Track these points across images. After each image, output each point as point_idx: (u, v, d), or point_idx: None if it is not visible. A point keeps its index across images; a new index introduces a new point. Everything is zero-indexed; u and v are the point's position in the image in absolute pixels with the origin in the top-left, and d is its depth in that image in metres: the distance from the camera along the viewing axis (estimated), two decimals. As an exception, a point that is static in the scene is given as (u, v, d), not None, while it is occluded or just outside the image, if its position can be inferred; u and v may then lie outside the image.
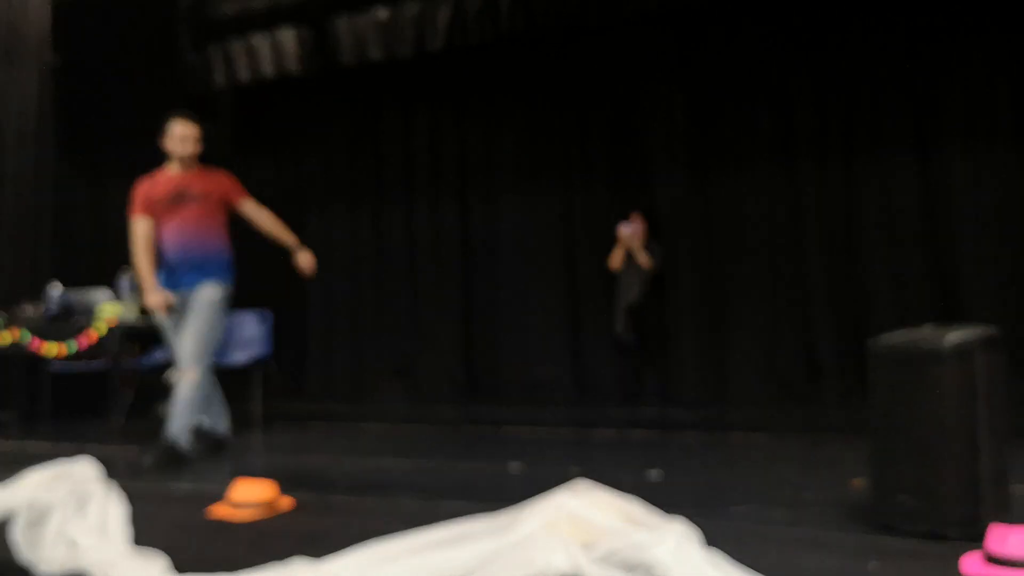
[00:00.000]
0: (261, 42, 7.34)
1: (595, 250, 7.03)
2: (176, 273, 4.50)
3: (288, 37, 7.24)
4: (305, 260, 4.77)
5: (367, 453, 4.58)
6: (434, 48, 6.75)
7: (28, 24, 6.20)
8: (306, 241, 7.95)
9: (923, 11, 6.08)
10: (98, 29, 6.95)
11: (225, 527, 2.91)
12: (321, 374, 7.93)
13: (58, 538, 2.86)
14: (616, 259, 6.69)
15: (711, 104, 6.68)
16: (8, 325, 5.46)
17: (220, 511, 3.09)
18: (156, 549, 2.71)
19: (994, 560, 2.11)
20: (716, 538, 2.36)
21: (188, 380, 4.31)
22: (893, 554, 2.28)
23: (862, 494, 2.81)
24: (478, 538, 2.40)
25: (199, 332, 4.36)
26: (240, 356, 5.78)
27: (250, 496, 3.07)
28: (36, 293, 5.84)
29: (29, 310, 5.51)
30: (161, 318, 4.49)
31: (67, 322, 5.28)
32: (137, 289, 4.94)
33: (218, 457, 4.53)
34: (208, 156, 4.79)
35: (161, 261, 4.57)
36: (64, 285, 5.66)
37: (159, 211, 4.57)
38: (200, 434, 4.52)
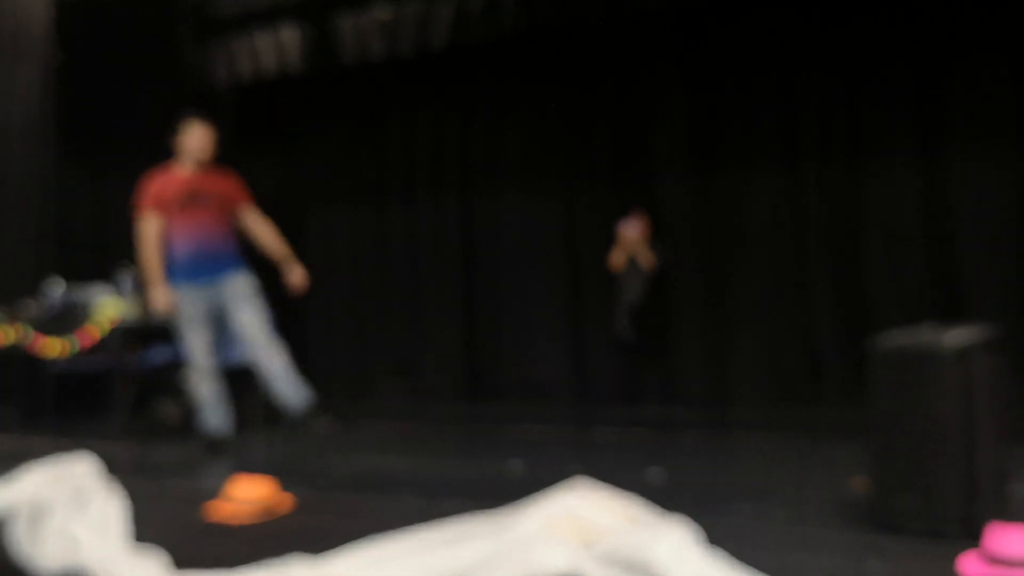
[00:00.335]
0: (263, 40, 7.35)
1: (597, 249, 7.03)
2: (195, 269, 4.55)
3: (290, 35, 7.25)
4: (297, 276, 4.74)
5: (368, 451, 4.58)
6: (437, 47, 6.76)
7: (31, 22, 6.20)
8: (308, 240, 8.05)
9: (927, 10, 6.08)
10: (100, 27, 6.95)
11: (224, 525, 2.92)
12: (322, 372, 7.93)
13: (58, 535, 2.87)
14: (618, 258, 6.70)
15: (714, 103, 6.68)
16: (10, 322, 5.46)
17: (220, 509, 3.09)
18: (156, 547, 2.72)
19: (992, 559, 2.10)
20: (716, 537, 2.36)
21: (281, 358, 4.57)
22: (893, 553, 2.28)
23: (862, 494, 2.81)
24: (478, 537, 2.40)
25: (262, 317, 4.61)
26: (241, 353, 5.77)
27: (250, 494, 3.07)
28: (38, 290, 5.85)
29: (31, 307, 5.51)
30: (184, 313, 4.53)
31: (69, 319, 5.28)
32: (140, 287, 4.95)
33: (220, 455, 4.54)
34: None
35: (168, 260, 4.59)
36: (66, 282, 5.66)
37: (171, 210, 4.59)
38: (200, 435, 4.56)
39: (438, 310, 7.56)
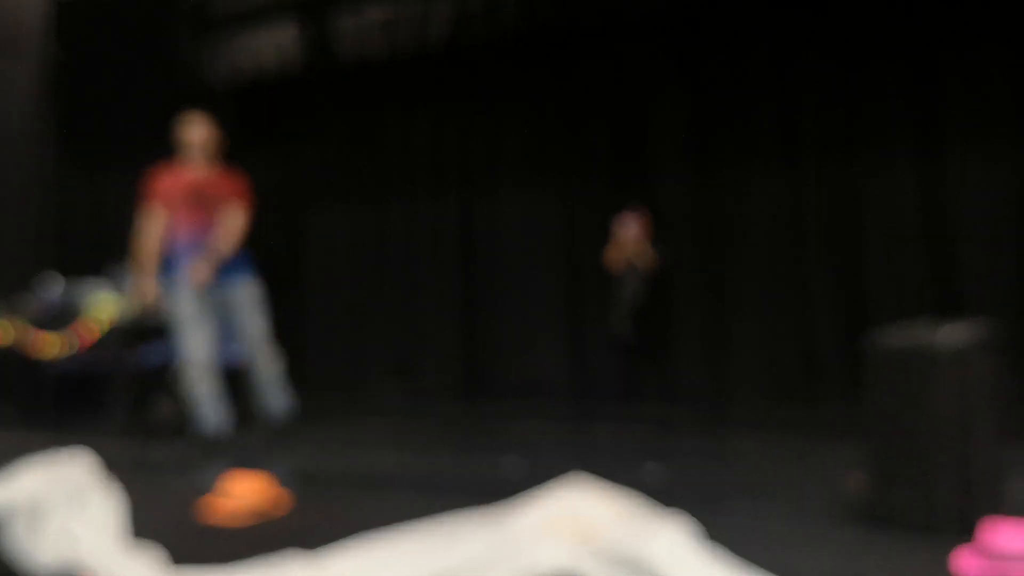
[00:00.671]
0: (262, 39, 7.35)
1: (596, 248, 7.03)
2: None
3: (289, 34, 7.26)
4: (198, 267, 4.56)
5: (365, 449, 4.58)
6: (435, 46, 6.76)
7: (28, 19, 6.19)
8: (307, 238, 8.04)
9: (926, 7, 6.08)
10: (98, 24, 6.95)
11: (221, 523, 2.92)
12: (320, 370, 7.94)
13: (56, 533, 2.86)
14: (616, 258, 6.70)
15: (713, 103, 6.67)
16: (8, 319, 5.46)
17: (217, 507, 3.09)
18: (153, 545, 2.72)
19: (988, 555, 2.11)
20: (714, 535, 2.36)
21: (276, 366, 4.72)
22: (889, 550, 2.28)
23: (859, 491, 2.81)
24: (476, 535, 2.40)
25: (264, 323, 4.71)
26: (239, 353, 5.76)
27: (247, 492, 3.07)
28: (36, 287, 5.84)
29: (29, 304, 5.51)
30: (184, 311, 4.54)
31: (67, 317, 5.28)
32: (131, 277, 4.94)
33: (217, 454, 4.54)
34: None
35: (172, 256, 4.61)
36: (64, 280, 5.66)
37: (178, 208, 4.61)
38: (198, 433, 4.57)
39: (437, 309, 7.56)
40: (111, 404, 5.73)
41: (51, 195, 6.23)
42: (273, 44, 7.31)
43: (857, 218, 6.30)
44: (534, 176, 7.30)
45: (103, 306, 5.19)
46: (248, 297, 4.65)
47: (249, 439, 4.47)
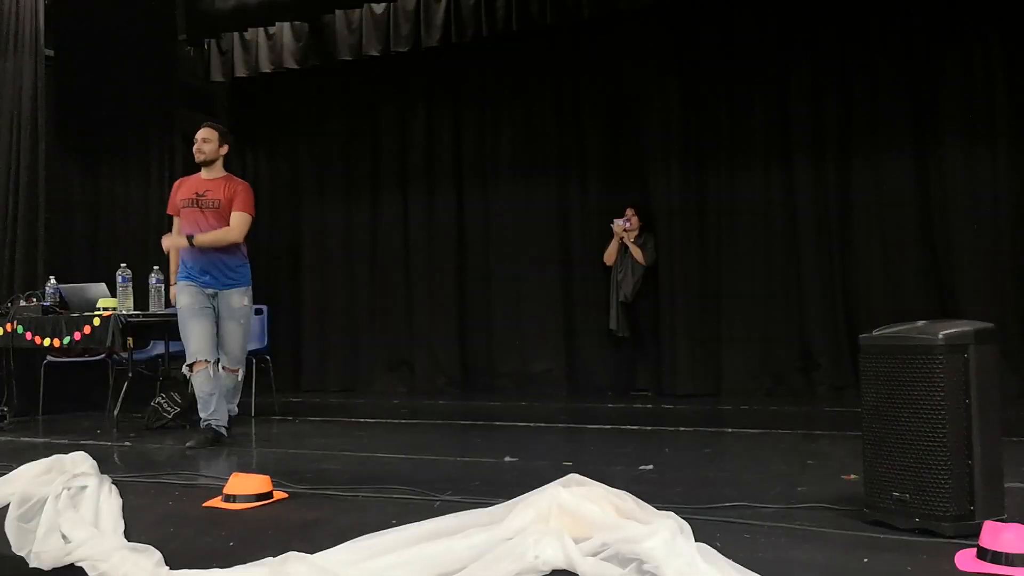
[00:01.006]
0: (258, 36, 7.34)
1: (590, 244, 7.04)
2: (195, 271, 4.71)
3: (284, 31, 7.24)
4: (165, 237, 4.83)
5: (361, 446, 4.58)
6: (430, 43, 6.75)
7: (24, 16, 6.16)
8: (303, 234, 8.03)
9: (920, 6, 6.08)
10: (95, 22, 6.93)
11: (219, 521, 2.91)
12: (316, 367, 7.94)
13: (50, 532, 2.86)
14: (610, 253, 6.71)
15: (706, 99, 6.69)
16: (3, 319, 5.45)
17: (215, 504, 3.08)
18: (150, 543, 2.71)
19: (988, 556, 2.10)
20: (708, 532, 2.36)
21: (235, 377, 4.87)
22: (886, 549, 2.28)
23: (855, 489, 2.82)
24: (472, 531, 2.40)
25: (241, 338, 4.81)
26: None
27: (245, 489, 3.07)
28: (31, 287, 5.83)
29: (24, 304, 5.49)
30: (184, 309, 4.66)
31: (62, 316, 5.26)
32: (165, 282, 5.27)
33: (215, 449, 4.55)
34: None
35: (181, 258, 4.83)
36: (59, 279, 5.65)
37: (182, 212, 4.80)
38: (196, 430, 4.60)
39: (431, 305, 7.56)
40: (107, 402, 5.73)
41: (46, 192, 6.20)
42: (268, 40, 7.29)
43: (851, 214, 6.32)
44: (529, 172, 7.31)
45: (97, 305, 5.18)
46: (234, 305, 4.74)
47: (195, 440, 4.54)
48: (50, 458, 3.31)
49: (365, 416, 5.88)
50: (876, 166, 6.22)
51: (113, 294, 5.28)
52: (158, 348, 5.83)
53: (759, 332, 6.43)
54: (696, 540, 2.20)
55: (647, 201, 6.76)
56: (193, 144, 4.81)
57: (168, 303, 5.10)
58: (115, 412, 5.18)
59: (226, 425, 4.72)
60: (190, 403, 5.38)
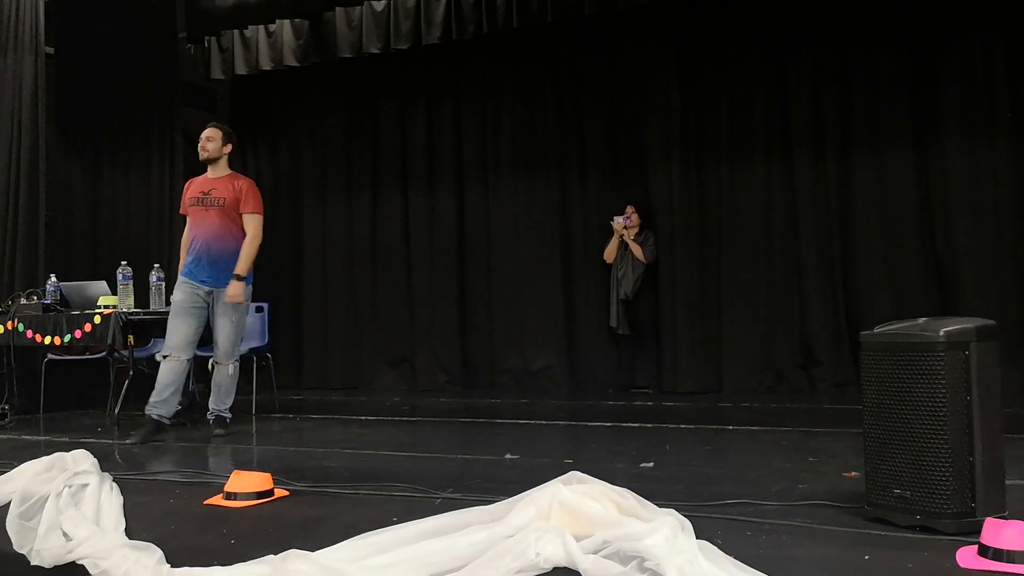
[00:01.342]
0: (258, 34, 7.34)
1: (590, 242, 7.04)
2: (195, 268, 4.78)
3: (285, 29, 7.24)
4: (232, 290, 4.76)
5: (362, 444, 4.58)
6: (430, 40, 6.75)
7: (24, 14, 6.16)
8: (304, 232, 8.03)
9: (920, 4, 6.07)
10: (96, 19, 6.93)
11: (220, 519, 2.91)
12: (317, 365, 7.94)
13: (51, 530, 2.86)
14: (611, 251, 6.70)
15: (707, 96, 6.68)
16: (4, 317, 5.45)
17: (215, 502, 3.08)
18: (151, 540, 2.71)
19: (989, 553, 2.10)
20: (709, 529, 2.37)
21: (226, 371, 4.87)
22: (887, 546, 2.28)
23: (856, 486, 2.81)
24: (472, 528, 2.40)
25: (232, 334, 4.82)
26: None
27: (245, 487, 3.07)
28: (32, 285, 5.83)
29: (25, 302, 5.49)
30: (174, 303, 4.78)
31: (63, 314, 5.27)
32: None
33: (214, 443, 4.58)
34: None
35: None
36: (60, 277, 5.65)
37: (189, 211, 4.91)
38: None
39: (432, 302, 7.56)
40: (108, 400, 5.73)
41: (46, 189, 6.19)
42: (269, 38, 7.29)
43: (852, 211, 6.31)
44: (529, 170, 7.30)
45: (101, 301, 5.18)
46: (227, 305, 4.77)
47: (138, 435, 4.61)
48: (51, 456, 3.31)
49: (366, 413, 5.88)
50: (876, 163, 6.21)
51: (114, 292, 5.29)
52: (159, 346, 5.80)
53: (760, 329, 6.43)
54: (697, 537, 2.20)
55: (647, 198, 6.76)
56: (197, 143, 4.91)
57: (169, 301, 5.12)
58: (116, 410, 5.19)
59: (170, 419, 4.78)
60: (190, 400, 5.40)
